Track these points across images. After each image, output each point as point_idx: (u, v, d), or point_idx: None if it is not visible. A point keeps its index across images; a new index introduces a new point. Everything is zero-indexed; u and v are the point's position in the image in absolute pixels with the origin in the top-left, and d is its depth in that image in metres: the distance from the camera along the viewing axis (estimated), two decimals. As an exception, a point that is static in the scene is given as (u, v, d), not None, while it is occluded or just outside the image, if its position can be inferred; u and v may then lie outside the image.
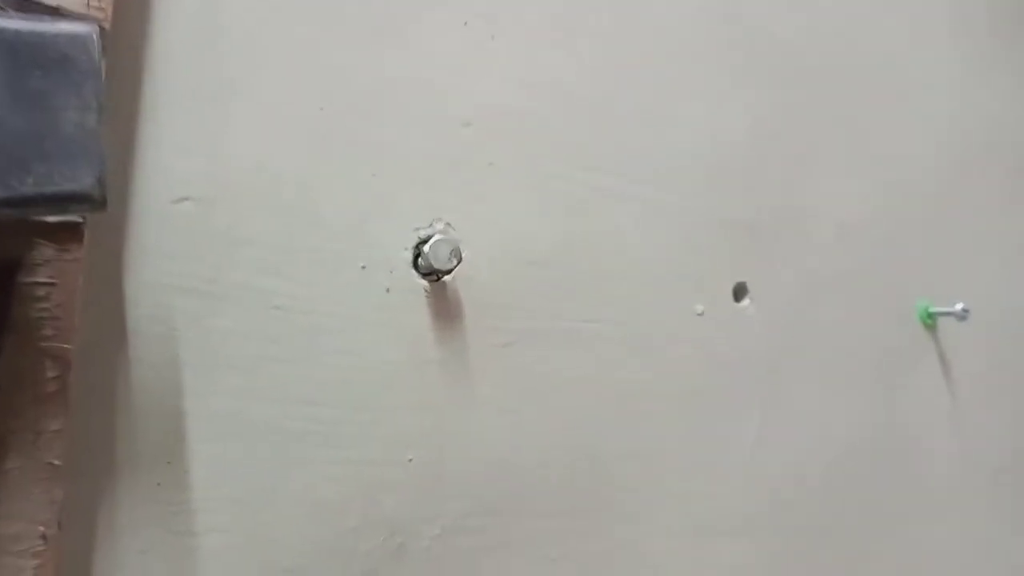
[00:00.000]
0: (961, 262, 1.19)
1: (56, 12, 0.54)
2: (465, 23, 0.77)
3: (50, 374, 0.55)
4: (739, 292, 0.93)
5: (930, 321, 1.12)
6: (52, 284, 0.55)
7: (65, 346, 0.55)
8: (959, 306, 1.08)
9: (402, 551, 0.71)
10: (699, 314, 0.90)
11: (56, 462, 0.55)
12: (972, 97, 1.25)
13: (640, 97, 0.88)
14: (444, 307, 0.74)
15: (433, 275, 0.73)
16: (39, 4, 0.54)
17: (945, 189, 1.19)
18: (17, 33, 0.48)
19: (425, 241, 0.72)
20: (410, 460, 0.72)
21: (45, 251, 0.55)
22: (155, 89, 0.63)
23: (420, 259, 0.72)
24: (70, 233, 0.56)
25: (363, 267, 0.70)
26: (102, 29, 0.56)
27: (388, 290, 0.71)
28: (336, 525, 0.68)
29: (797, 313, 0.99)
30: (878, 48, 1.13)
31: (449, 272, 0.72)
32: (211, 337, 0.64)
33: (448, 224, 0.75)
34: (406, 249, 0.73)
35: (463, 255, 0.72)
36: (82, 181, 0.48)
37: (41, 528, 0.54)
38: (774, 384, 0.96)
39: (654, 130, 0.88)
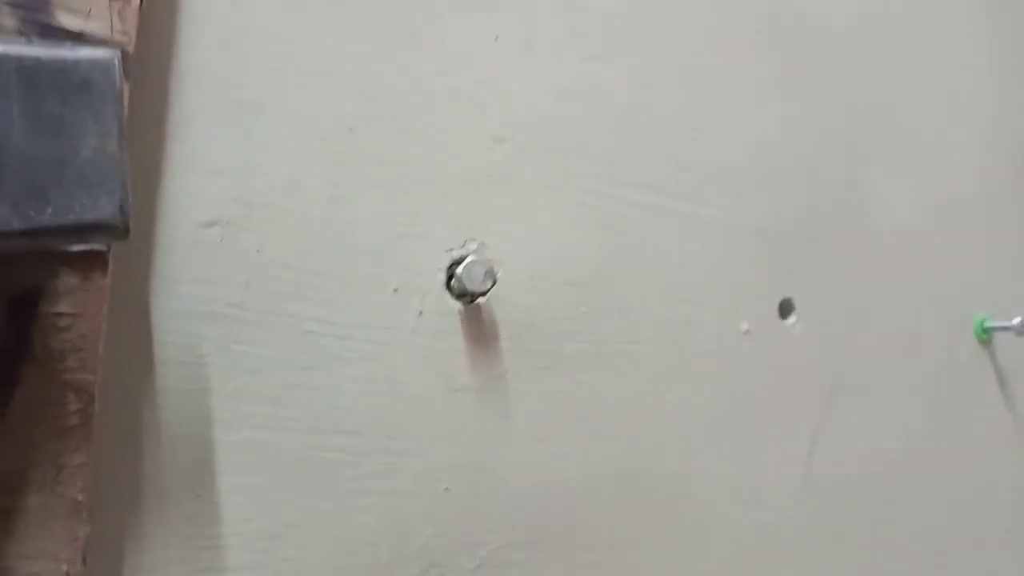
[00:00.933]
0: (1018, 274, 1.14)
1: (80, 37, 0.53)
2: (497, 37, 0.75)
3: (73, 407, 0.53)
4: (785, 308, 0.90)
5: (985, 336, 1.07)
6: (75, 314, 0.53)
7: (89, 377, 0.54)
8: (1017, 320, 1.03)
9: (438, 585, 0.68)
10: (744, 332, 0.86)
11: (79, 497, 0.53)
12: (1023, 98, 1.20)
13: (678, 108, 0.85)
14: (479, 330, 0.72)
15: (467, 297, 0.70)
16: (63, 31, 0.53)
17: (999, 197, 1.14)
18: (38, 60, 0.47)
19: (458, 262, 0.70)
20: (446, 490, 0.69)
21: (68, 280, 0.53)
22: (181, 110, 0.61)
23: (453, 281, 0.70)
24: (94, 261, 0.54)
25: (395, 290, 0.68)
26: (125, 53, 0.55)
27: (421, 313, 0.69)
28: (369, 559, 0.66)
29: (846, 329, 0.95)
30: (923, 48, 1.08)
31: (484, 294, 0.70)
32: (240, 364, 0.62)
33: (482, 244, 0.72)
34: (439, 271, 0.70)
35: (497, 276, 0.70)
36: (103, 210, 0.46)
37: (65, 567, 0.52)
38: (824, 404, 0.92)
39: (693, 141, 0.85)
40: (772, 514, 0.87)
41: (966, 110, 1.12)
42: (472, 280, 0.68)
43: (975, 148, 1.13)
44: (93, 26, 0.54)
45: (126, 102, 0.54)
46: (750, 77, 0.90)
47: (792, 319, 0.90)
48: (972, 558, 1.04)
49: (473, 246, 0.72)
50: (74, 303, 0.53)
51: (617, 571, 0.77)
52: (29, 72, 0.46)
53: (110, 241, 0.49)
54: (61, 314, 0.53)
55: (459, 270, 0.69)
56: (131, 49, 0.57)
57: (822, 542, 0.90)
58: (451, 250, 0.71)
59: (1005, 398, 1.10)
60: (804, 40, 0.96)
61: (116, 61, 0.48)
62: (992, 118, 1.16)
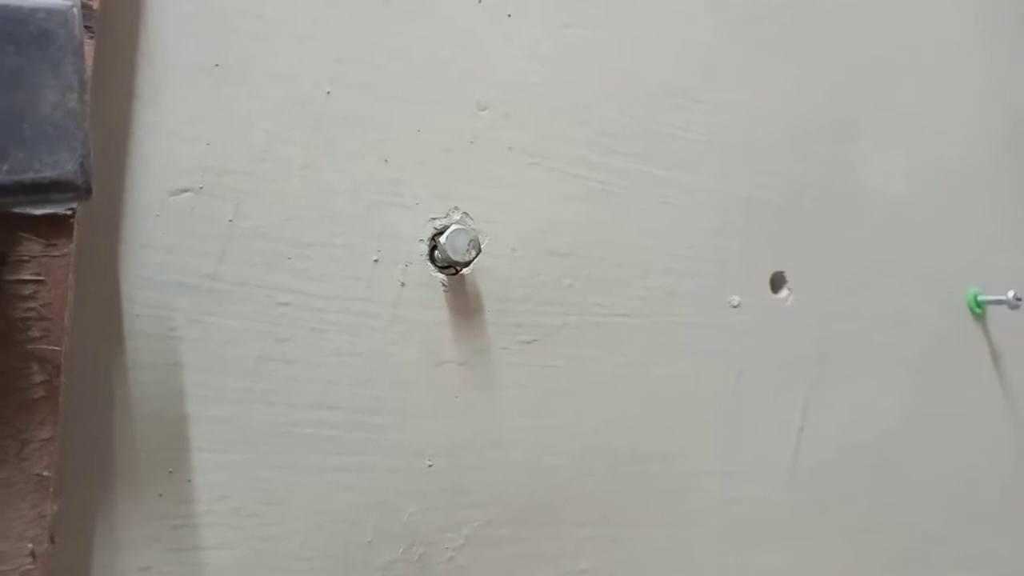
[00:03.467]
0: (1010, 247, 1.13)
1: (40, -10, 0.51)
2: (480, 1, 0.73)
3: (37, 379, 0.51)
4: (777, 282, 0.88)
5: (979, 310, 1.05)
6: (39, 282, 0.51)
7: (54, 348, 0.51)
8: (1011, 294, 1.02)
9: (423, 563, 0.66)
10: (735, 306, 0.85)
11: (46, 473, 0.51)
12: (1011, 71, 1.18)
13: (668, 75, 0.82)
14: (463, 302, 0.69)
15: (451, 268, 0.68)
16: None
17: (990, 170, 1.12)
18: (-8, 9, 0.44)
19: (441, 232, 0.67)
20: (429, 466, 0.67)
21: (30, 246, 0.51)
22: (151, 72, 0.59)
23: (436, 251, 0.68)
24: (58, 227, 0.52)
25: (376, 260, 0.66)
26: (86, 5, 0.53)
27: (403, 284, 0.67)
28: (352, 537, 0.64)
29: (838, 303, 0.93)
30: (913, 20, 1.07)
31: (467, 264, 0.67)
32: (213, 337, 0.60)
33: (465, 214, 0.70)
34: (421, 241, 0.68)
35: (482, 246, 0.68)
36: (63, 167, 0.44)
37: (31, 545, 0.50)
38: (816, 378, 0.90)
39: (683, 110, 0.83)
40: (761, 489, 0.85)
41: (956, 83, 1.11)
42: (456, 250, 0.66)
43: (965, 121, 1.11)
44: (54, -20, 0.52)
45: (88, 57, 0.52)
46: (740, 47, 0.88)
47: (784, 293, 0.89)
48: (962, 532, 1.03)
49: (456, 215, 0.70)
50: (37, 270, 0.51)
51: (604, 548, 0.75)
52: (-17, 23, 0.43)
53: (72, 200, 0.47)
54: (24, 281, 0.50)
55: (442, 239, 0.66)
56: (95, 4, 0.55)
57: (812, 516, 0.89)
58: (434, 219, 0.69)
59: (998, 372, 1.08)
60: (795, 11, 0.94)
61: (75, 11, 0.46)
62: (982, 91, 1.14)
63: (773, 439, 0.87)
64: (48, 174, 0.44)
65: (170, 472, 0.58)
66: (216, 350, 0.60)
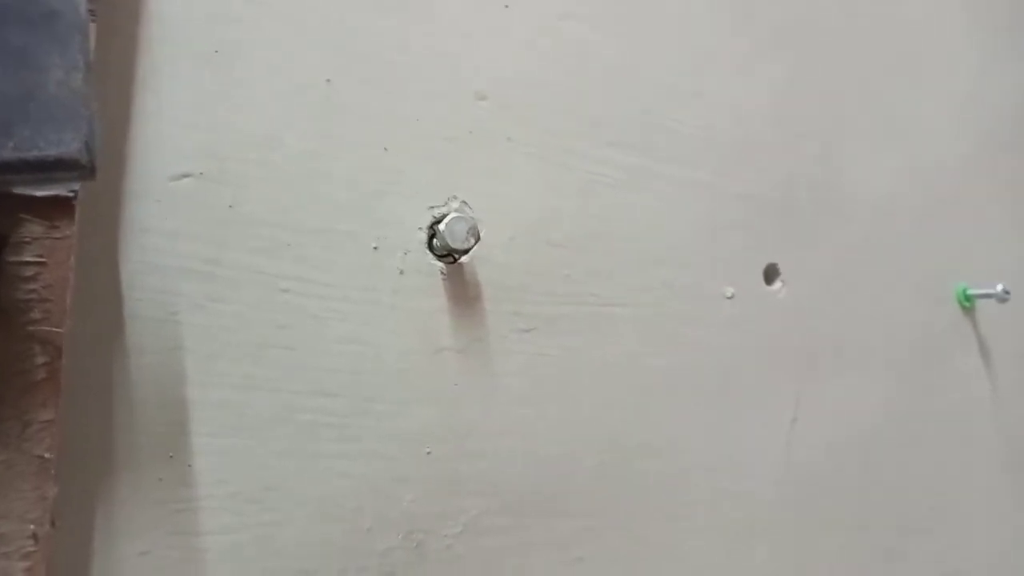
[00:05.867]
0: (997, 241, 1.14)
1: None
2: (479, -8, 0.73)
3: (39, 360, 0.51)
4: (770, 274, 0.89)
5: (968, 304, 1.06)
6: (41, 263, 0.51)
7: (55, 330, 0.51)
8: (999, 287, 1.03)
9: (421, 551, 0.66)
10: (729, 297, 0.85)
11: (47, 455, 0.51)
12: (997, 71, 1.20)
13: (665, 69, 0.83)
14: (461, 290, 0.70)
15: (449, 256, 0.69)
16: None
17: (979, 166, 1.14)
18: (-1, -11, 0.44)
19: (440, 220, 0.68)
20: (428, 453, 0.67)
21: (33, 228, 0.51)
22: (152, 56, 0.59)
23: (435, 239, 0.68)
24: (60, 209, 0.52)
25: (375, 248, 0.66)
26: (91, -12, 0.53)
27: (402, 272, 0.67)
28: (350, 523, 0.64)
29: (831, 296, 0.94)
30: (902, 21, 1.08)
31: (466, 252, 0.68)
32: (213, 322, 0.60)
33: (464, 202, 0.70)
34: (420, 228, 0.68)
35: (480, 234, 0.68)
36: (68, 145, 0.44)
37: (32, 527, 0.50)
38: (808, 371, 0.91)
39: (679, 103, 0.84)
40: (753, 483, 0.86)
41: (944, 82, 1.12)
42: (455, 237, 0.67)
43: (953, 119, 1.12)
44: (57, -37, 0.52)
45: (93, 39, 0.52)
46: (736, 41, 0.89)
47: (777, 285, 0.89)
48: (953, 525, 1.04)
49: (455, 204, 0.70)
50: (40, 252, 0.51)
51: (599, 539, 0.75)
52: (-12, 2, 0.44)
53: (76, 179, 0.47)
54: (26, 263, 0.50)
55: (441, 227, 0.67)
56: (98, -12, 0.55)
57: (803, 511, 0.90)
58: (433, 208, 0.69)
59: (986, 365, 1.10)
60: (790, 8, 0.95)
61: (81, -8, 0.46)
62: (969, 91, 1.16)
63: (765, 433, 0.87)
64: (52, 152, 0.44)
65: (170, 456, 0.58)
66: (217, 335, 0.60)
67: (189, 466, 0.58)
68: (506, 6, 0.74)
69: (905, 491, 1.00)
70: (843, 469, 0.93)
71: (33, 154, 0.43)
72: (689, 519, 0.81)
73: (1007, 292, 1.03)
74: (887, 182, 1.02)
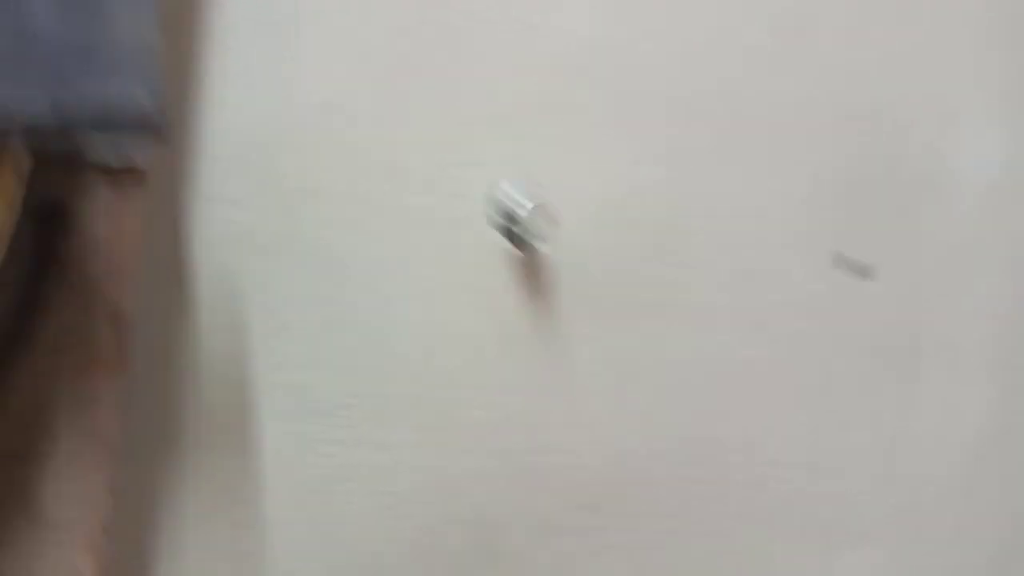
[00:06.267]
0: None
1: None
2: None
3: (107, 337, 0.48)
4: (869, 265, 0.82)
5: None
6: (110, 235, 0.48)
7: (124, 305, 0.49)
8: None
9: (492, 551, 0.62)
10: (824, 288, 0.79)
11: (113, 437, 0.48)
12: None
13: (755, 37, 0.77)
14: (535, 274, 0.66)
15: (523, 238, 0.65)
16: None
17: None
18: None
19: (515, 200, 0.64)
20: (499, 448, 0.64)
21: (104, 197, 0.48)
22: (218, 23, 0.56)
23: (509, 219, 0.64)
24: (130, 179, 0.49)
25: (445, 224, 0.63)
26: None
27: (475, 252, 0.63)
28: (417, 518, 0.60)
29: (931, 292, 0.87)
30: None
31: (541, 237, 0.64)
32: (280, 300, 0.57)
33: (540, 183, 0.66)
34: (495, 206, 0.65)
35: (557, 218, 0.64)
36: (137, 99, 0.41)
37: (96, 512, 0.48)
38: (910, 368, 0.84)
39: (770, 73, 0.77)
40: (851, 486, 0.79)
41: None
42: (529, 221, 0.63)
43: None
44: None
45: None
46: (840, 9, 0.82)
47: (877, 275, 0.83)
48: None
49: (531, 184, 0.66)
50: (110, 222, 0.48)
51: (683, 543, 0.71)
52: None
53: (144, 134, 0.44)
54: (94, 234, 0.48)
55: (516, 209, 0.63)
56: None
57: (905, 520, 0.83)
58: (506, 184, 0.65)
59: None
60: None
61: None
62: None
63: (861, 432, 0.81)
64: (121, 104, 0.41)
65: (232, 442, 0.55)
66: (283, 313, 0.57)
67: (250, 453, 0.56)
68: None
69: (1015, 501, 0.92)
70: (949, 476, 0.86)
71: (102, 106, 0.41)
72: (779, 521, 0.76)
73: None
74: (992, 171, 0.94)
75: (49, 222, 0.46)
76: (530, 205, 0.63)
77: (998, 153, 0.94)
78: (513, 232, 0.64)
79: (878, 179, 0.84)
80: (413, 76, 0.62)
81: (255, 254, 0.56)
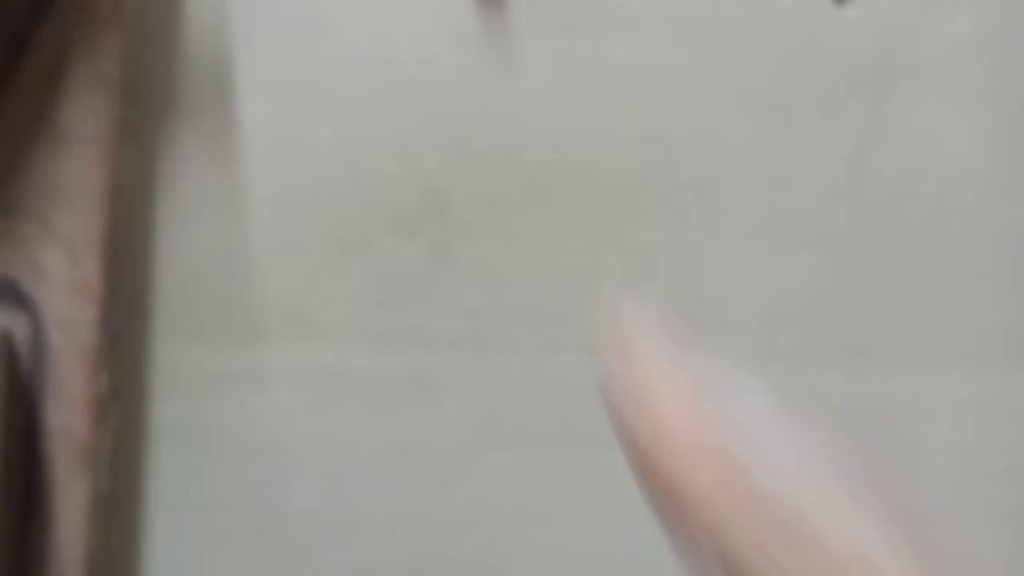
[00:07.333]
0: None
1: None
2: None
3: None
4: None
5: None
6: None
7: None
8: None
9: (441, 212, 0.74)
10: (790, 10, 0.81)
11: (117, 76, 0.64)
12: None
13: None
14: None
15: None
16: None
17: None
18: None
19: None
20: (450, 130, 0.74)
21: None
22: None
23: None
24: None
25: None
26: None
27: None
28: (378, 185, 0.72)
29: (914, 19, 0.86)
30: None
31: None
32: None
33: None
34: None
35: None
36: None
37: (106, 130, 0.63)
38: (880, 98, 0.84)
39: None
40: (800, 199, 0.82)
41: None
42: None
43: None
44: None
45: None
46: None
47: (847, 3, 0.84)
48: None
49: None
50: None
51: (620, 227, 0.78)
52: None
53: None
54: None
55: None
56: None
57: (856, 235, 0.83)
58: None
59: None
60: None
61: None
62: None
63: (820, 151, 0.81)
64: None
65: (217, 106, 0.70)
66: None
67: (234, 118, 0.70)
68: None
69: (980, 231, 0.89)
70: (910, 201, 0.84)
71: None
72: (720, 223, 0.80)
73: None
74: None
75: None
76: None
77: None
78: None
79: None
80: None
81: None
